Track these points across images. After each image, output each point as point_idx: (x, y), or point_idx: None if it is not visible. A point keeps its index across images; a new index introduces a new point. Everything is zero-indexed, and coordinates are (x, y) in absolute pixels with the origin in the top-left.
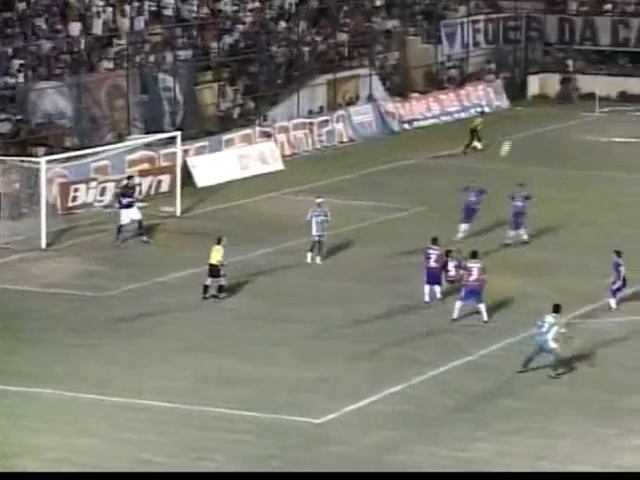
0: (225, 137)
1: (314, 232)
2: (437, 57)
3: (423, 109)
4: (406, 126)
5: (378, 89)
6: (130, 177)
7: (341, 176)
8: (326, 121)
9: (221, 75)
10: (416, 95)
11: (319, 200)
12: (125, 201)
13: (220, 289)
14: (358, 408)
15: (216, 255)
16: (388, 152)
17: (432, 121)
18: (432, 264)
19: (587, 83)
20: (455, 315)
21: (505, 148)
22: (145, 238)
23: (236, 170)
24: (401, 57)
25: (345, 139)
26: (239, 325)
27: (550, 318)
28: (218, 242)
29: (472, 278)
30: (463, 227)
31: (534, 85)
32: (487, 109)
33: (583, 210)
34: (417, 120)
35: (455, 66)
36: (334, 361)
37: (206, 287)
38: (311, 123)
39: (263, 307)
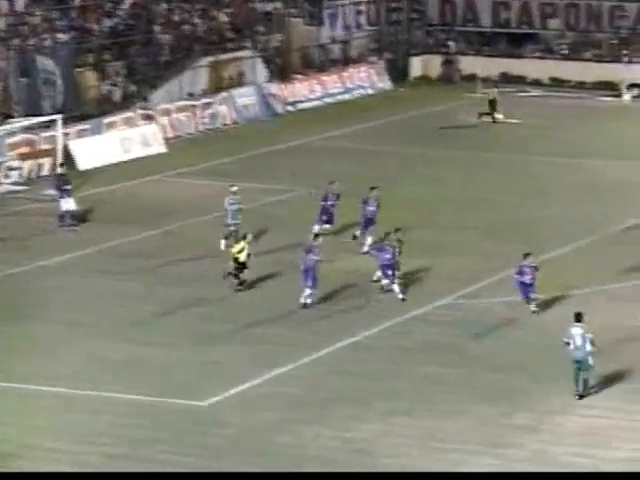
0: (106, 120)
1: (229, 221)
2: (320, 39)
3: (306, 91)
4: (290, 108)
5: (261, 71)
6: (62, 164)
7: (224, 158)
8: (209, 103)
9: (102, 57)
10: (299, 77)
11: (234, 188)
12: (63, 189)
13: (240, 283)
14: (244, 390)
15: (241, 251)
16: (272, 134)
17: (315, 103)
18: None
19: (469, 64)
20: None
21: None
22: (76, 228)
23: (118, 153)
24: (284, 39)
25: (228, 121)
26: (126, 308)
27: (577, 329)
28: (243, 238)
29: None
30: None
31: (416, 66)
32: (370, 91)
33: (467, 190)
34: (300, 102)
35: (338, 48)
36: (221, 344)
37: (241, 281)
38: (194, 105)
39: (152, 290)
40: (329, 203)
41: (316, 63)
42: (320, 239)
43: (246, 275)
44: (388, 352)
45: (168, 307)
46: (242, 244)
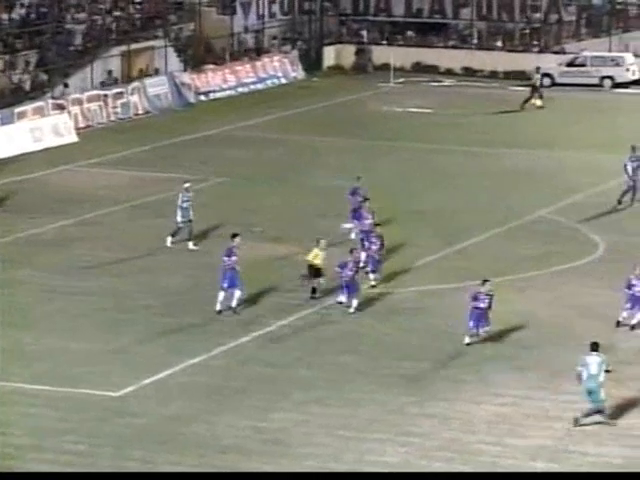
0: (17, 110)
1: (179, 218)
2: (233, 28)
3: (219, 80)
4: (202, 97)
5: (173, 61)
6: None
7: (137, 148)
8: (121, 93)
9: (12, 47)
10: (212, 67)
11: (186, 185)
12: None
13: (314, 290)
14: (157, 380)
15: (316, 257)
16: (184, 124)
17: (228, 92)
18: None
19: (382, 54)
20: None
21: None
22: None
23: (29, 143)
24: (196, 29)
25: (140, 111)
26: (35, 298)
27: (594, 358)
28: (317, 244)
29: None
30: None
31: (330, 56)
32: (283, 80)
33: (374, 180)
34: (213, 92)
35: (251, 37)
36: (133, 334)
37: (314, 288)
38: (105, 95)
39: (59, 280)
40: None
41: (229, 53)
42: (238, 239)
43: (322, 282)
44: (302, 341)
45: (82, 297)
46: (315, 251)
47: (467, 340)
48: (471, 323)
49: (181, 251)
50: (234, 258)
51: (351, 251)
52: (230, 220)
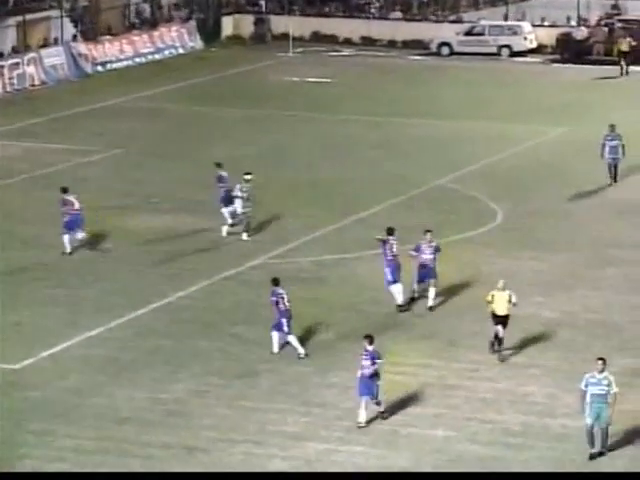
0: None
1: (239, 209)
2: None
3: (116, 51)
4: (99, 68)
5: (69, 31)
6: None
7: (32, 119)
8: (17, 64)
9: None
10: (108, 37)
11: (248, 177)
12: None
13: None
14: (55, 352)
15: (502, 303)
16: (81, 95)
17: (125, 63)
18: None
19: (280, 24)
20: None
21: None
22: None
23: None
24: None
25: (37, 82)
26: None
27: (599, 375)
28: (501, 287)
29: None
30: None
31: (228, 26)
32: (181, 50)
33: (271, 150)
34: (110, 62)
35: (148, 7)
36: (29, 306)
37: (499, 339)
38: (1, 66)
39: None
40: (426, 256)
41: (125, 23)
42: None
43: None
44: (200, 312)
45: None
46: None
47: (406, 297)
48: (417, 277)
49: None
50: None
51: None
52: (126, 191)
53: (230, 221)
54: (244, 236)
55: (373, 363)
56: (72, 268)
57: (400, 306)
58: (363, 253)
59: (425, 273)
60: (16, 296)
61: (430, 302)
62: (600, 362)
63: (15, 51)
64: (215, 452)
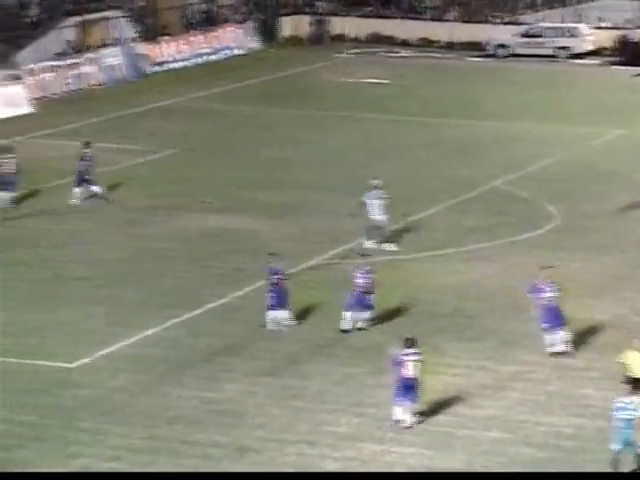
0: None
1: (375, 216)
2: None
3: (174, 51)
4: (157, 68)
5: (128, 31)
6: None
7: (91, 119)
8: (76, 64)
9: None
10: (166, 37)
11: (375, 182)
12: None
13: None
14: (110, 352)
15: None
16: (138, 95)
17: (183, 63)
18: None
19: (338, 25)
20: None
21: None
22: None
23: None
24: None
25: (95, 82)
26: None
27: (634, 398)
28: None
29: None
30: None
31: (286, 27)
32: (239, 51)
33: (332, 151)
34: (168, 62)
35: (206, 8)
36: (81, 304)
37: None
38: (60, 66)
39: (12, 254)
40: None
41: (184, 23)
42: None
43: None
44: (253, 313)
45: (42, 270)
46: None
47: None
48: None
49: (134, 220)
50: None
51: None
52: (179, 191)
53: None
54: (389, 246)
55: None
56: (126, 268)
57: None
58: (418, 255)
59: (553, 317)
60: (60, 294)
61: (560, 348)
62: (628, 386)
63: (74, 51)
64: (268, 452)
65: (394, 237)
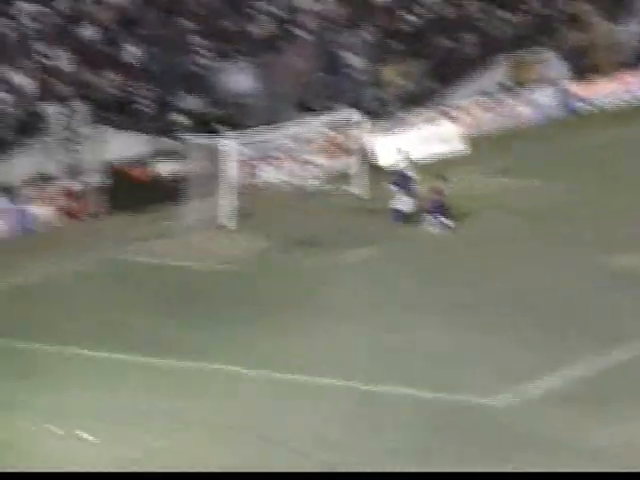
0: (407, 117)
1: None
2: (621, 37)
3: (607, 91)
4: (588, 107)
5: (560, 70)
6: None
7: (520, 157)
8: (507, 102)
9: (404, 55)
10: (599, 76)
11: None
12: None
13: None
14: (532, 388)
15: None
16: (571, 133)
17: (614, 102)
18: None
19: None
20: None
21: None
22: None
23: (418, 151)
24: (586, 37)
25: (526, 120)
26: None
27: None
28: None
29: None
30: None
31: None
32: None
33: None
34: (600, 102)
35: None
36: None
37: None
38: (492, 104)
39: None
40: None
41: (617, 62)
42: None
43: None
44: None
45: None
46: None
47: None
48: None
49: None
50: None
51: None
52: None
53: None
54: None
55: None
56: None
57: None
58: None
59: None
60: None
61: None
62: None
63: (505, 89)
64: None
65: None
